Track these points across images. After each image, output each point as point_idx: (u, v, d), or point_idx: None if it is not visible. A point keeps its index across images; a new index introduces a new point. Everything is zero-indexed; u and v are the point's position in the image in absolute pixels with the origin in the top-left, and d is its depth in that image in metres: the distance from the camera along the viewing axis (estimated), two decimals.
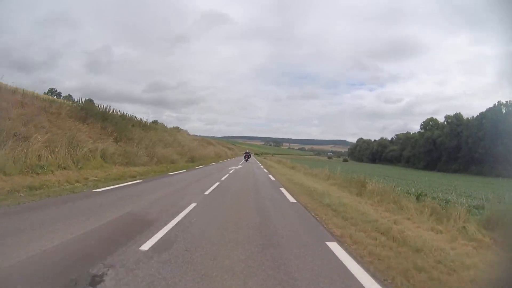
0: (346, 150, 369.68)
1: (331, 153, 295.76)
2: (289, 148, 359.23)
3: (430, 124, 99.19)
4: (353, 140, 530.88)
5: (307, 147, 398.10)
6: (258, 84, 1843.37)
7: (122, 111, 17.63)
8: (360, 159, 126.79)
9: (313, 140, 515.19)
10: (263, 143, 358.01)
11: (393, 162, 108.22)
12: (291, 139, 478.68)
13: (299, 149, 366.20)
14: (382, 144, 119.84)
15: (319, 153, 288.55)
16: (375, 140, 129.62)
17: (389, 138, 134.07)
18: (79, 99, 15.27)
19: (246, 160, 42.22)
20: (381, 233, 4.65)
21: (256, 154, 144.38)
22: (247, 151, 52.23)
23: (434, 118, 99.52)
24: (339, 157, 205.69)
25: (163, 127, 30.85)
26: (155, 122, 30.98)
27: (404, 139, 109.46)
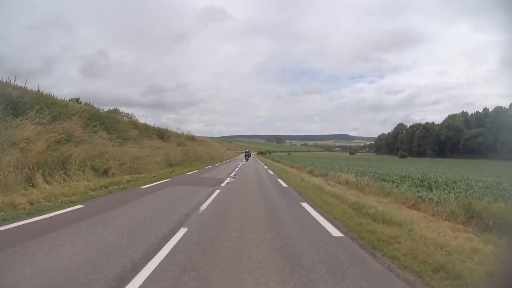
0: (350, 144, 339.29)
1: (339, 148, 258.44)
2: (291, 145, 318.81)
3: None
4: (355, 134, 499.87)
5: (310, 143, 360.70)
6: (258, 82, 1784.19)
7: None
8: (415, 153, 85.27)
9: (315, 136, 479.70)
10: (264, 141, 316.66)
11: (481, 153, 67.54)
12: (292, 135, 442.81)
13: (301, 145, 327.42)
14: (453, 127, 78.45)
15: (329, 148, 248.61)
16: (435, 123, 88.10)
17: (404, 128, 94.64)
18: None
19: (246, 160, 36.61)
20: None
21: (261, 153, 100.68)
22: (247, 150, 44.11)
23: None
24: (356, 151, 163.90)
25: None
26: None
27: (493, 115, 69.08)
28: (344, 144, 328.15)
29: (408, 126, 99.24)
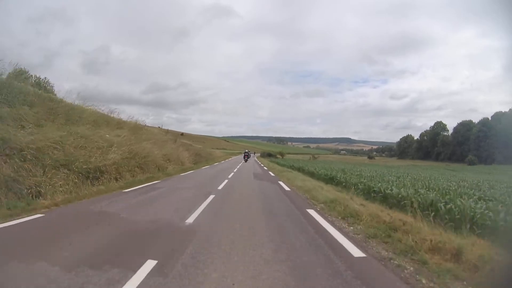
0: (352, 147, 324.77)
1: (344, 151, 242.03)
2: (293, 146, 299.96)
3: None
4: (356, 137, 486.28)
5: (312, 145, 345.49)
6: (260, 83, 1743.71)
7: None
8: (477, 158, 64.50)
9: (316, 138, 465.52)
10: (266, 142, 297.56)
11: None
12: (293, 137, 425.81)
13: (304, 147, 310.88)
14: None
15: (337, 151, 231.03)
16: None
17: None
18: None
19: (246, 161, 32.47)
20: None
21: (269, 155, 69.59)
22: (247, 150, 39.42)
23: None
24: (373, 156, 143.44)
25: None
26: None
27: None
28: (346, 147, 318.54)
29: (457, 124, 78.96)
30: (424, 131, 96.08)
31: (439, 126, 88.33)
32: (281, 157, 60.75)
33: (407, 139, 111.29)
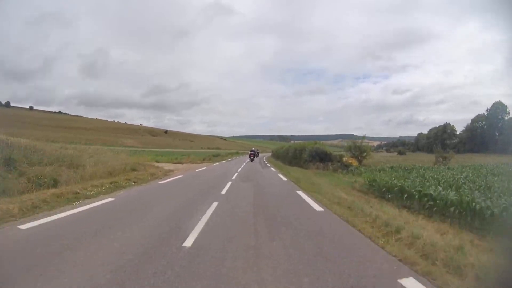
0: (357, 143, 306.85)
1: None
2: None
3: None
4: (359, 134, 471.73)
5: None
6: (262, 82, 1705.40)
7: None
8: None
9: (319, 135, 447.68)
10: (267, 140, 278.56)
11: None
12: (295, 136, 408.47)
13: None
14: None
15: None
16: None
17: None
18: None
19: (252, 160, 29.27)
20: None
21: (320, 158, 22.18)
22: (253, 148, 33.88)
23: None
24: (404, 151, 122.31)
25: None
26: None
27: None
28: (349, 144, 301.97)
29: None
30: (476, 115, 76.11)
31: (498, 108, 68.50)
32: (357, 163, 24.52)
33: (446, 129, 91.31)
